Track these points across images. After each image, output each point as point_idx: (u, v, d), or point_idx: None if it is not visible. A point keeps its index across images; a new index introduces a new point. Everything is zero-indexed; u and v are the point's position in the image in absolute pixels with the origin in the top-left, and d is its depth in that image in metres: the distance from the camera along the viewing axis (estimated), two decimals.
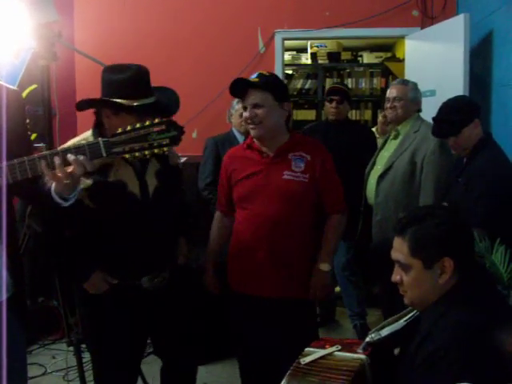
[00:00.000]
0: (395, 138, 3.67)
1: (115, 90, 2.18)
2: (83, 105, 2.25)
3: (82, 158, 1.68)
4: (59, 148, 1.73)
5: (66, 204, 1.80)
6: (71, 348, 3.05)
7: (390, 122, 3.83)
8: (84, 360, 2.94)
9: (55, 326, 4.11)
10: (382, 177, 3.58)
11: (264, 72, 2.62)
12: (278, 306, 2.56)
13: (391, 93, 3.66)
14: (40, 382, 3.63)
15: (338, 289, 4.62)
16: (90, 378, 2.95)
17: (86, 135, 2.34)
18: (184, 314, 2.55)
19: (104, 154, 1.68)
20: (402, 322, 1.83)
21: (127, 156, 1.68)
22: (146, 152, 1.68)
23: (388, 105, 3.66)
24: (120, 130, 1.67)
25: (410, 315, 1.85)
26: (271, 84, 2.59)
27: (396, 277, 1.75)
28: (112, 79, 2.20)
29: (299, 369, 1.78)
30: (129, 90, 2.17)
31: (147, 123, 1.67)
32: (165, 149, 1.70)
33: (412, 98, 3.61)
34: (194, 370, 2.69)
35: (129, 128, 1.67)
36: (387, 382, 1.74)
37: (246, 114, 2.58)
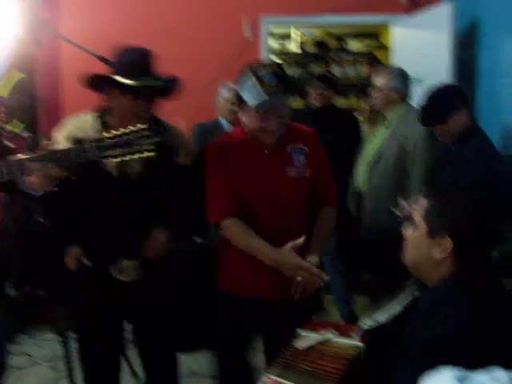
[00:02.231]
0: (385, 125, 3.68)
1: (119, 70, 2.22)
2: (90, 81, 2.25)
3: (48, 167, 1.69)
4: (47, 149, 1.75)
5: (38, 194, 1.81)
6: (58, 337, 3.05)
7: (375, 109, 3.87)
8: (71, 349, 2.93)
9: (42, 316, 4.10)
10: (372, 164, 3.60)
11: (277, 70, 2.24)
12: (277, 307, 2.35)
13: (374, 81, 3.72)
14: (28, 372, 3.62)
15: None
16: (78, 366, 2.96)
17: (84, 118, 2.34)
18: (164, 305, 2.51)
19: (90, 159, 1.69)
20: (398, 307, 1.81)
21: (114, 160, 1.70)
22: (130, 157, 1.69)
23: (372, 93, 3.71)
24: (106, 135, 1.69)
25: (404, 299, 1.83)
26: (290, 84, 2.33)
27: (406, 231, 1.75)
28: (117, 59, 2.24)
29: (293, 355, 1.76)
30: (130, 69, 2.20)
31: (132, 129, 1.69)
32: (150, 154, 1.71)
33: (392, 87, 3.61)
34: (171, 360, 2.67)
35: (115, 133, 1.69)
36: (383, 369, 1.73)
37: (270, 125, 2.24)
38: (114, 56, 2.27)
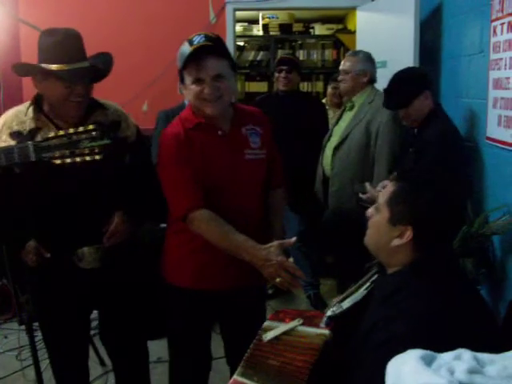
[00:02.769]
0: (350, 109, 3.70)
1: (45, 55, 2.13)
2: (18, 70, 2.19)
3: None
4: None
5: None
6: (23, 327, 3.00)
7: (343, 94, 3.88)
8: (36, 338, 2.89)
9: (6, 305, 4.03)
10: (337, 148, 3.62)
11: (210, 34, 2.18)
12: (237, 296, 2.32)
13: (342, 65, 3.73)
14: None
15: (291, 259, 4.67)
16: (43, 356, 2.92)
17: (20, 108, 2.28)
18: (127, 291, 2.47)
19: (33, 159, 1.63)
20: (362, 291, 1.79)
21: (57, 162, 1.63)
22: (77, 159, 1.63)
23: (340, 77, 3.71)
24: (51, 135, 1.63)
25: (369, 283, 1.82)
26: (226, 49, 2.21)
27: (371, 210, 1.72)
28: (42, 43, 2.14)
29: (261, 347, 1.73)
30: (57, 53, 2.11)
31: (80, 129, 1.63)
32: (96, 157, 1.64)
33: (359, 70, 3.64)
34: (141, 348, 2.65)
35: (61, 133, 1.64)
36: (346, 355, 1.71)
37: (205, 89, 2.13)
38: (39, 40, 2.17)
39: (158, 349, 3.33)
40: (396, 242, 1.59)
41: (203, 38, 2.12)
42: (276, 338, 1.76)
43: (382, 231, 1.64)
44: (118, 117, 2.37)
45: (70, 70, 2.10)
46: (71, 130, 1.62)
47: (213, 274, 2.28)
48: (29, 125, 2.19)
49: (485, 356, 1.05)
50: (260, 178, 2.34)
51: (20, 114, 2.23)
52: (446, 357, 1.06)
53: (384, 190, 1.69)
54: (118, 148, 2.28)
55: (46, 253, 2.30)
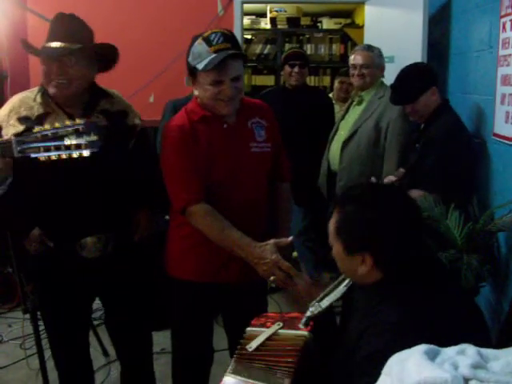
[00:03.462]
0: (359, 103, 3.67)
1: (48, 37, 2.18)
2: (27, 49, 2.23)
3: None
4: None
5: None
6: (27, 316, 3.01)
7: (356, 89, 3.80)
8: (40, 327, 2.90)
9: (11, 294, 4.05)
10: (346, 143, 3.60)
11: (226, 32, 2.13)
12: (239, 289, 2.32)
13: (357, 59, 3.62)
14: None
15: (295, 254, 4.67)
16: (47, 345, 2.93)
17: (28, 93, 2.30)
18: (130, 281, 2.48)
19: (15, 154, 1.60)
20: (342, 288, 1.76)
21: (42, 158, 1.61)
22: (63, 155, 1.60)
23: (355, 72, 3.63)
24: (37, 130, 1.61)
25: (348, 280, 1.78)
26: (239, 47, 2.19)
27: (330, 240, 1.66)
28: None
29: (245, 355, 1.73)
30: (52, 34, 2.16)
31: (67, 123, 1.61)
32: (83, 153, 1.61)
33: (378, 65, 3.62)
34: (145, 337, 2.66)
35: (46, 127, 1.61)
36: (332, 353, 1.68)
37: (225, 91, 2.11)
38: None
39: (161, 340, 3.34)
40: (361, 269, 1.56)
41: (222, 39, 2.09)
42: (258, 346, 1.75)
43: (344, 262, 1.61)
44: (124, 105, 2.39)
45: (47, 47, 2.13)
46: (57, 125, 1.60)
47: (215, 267, 2.29)
48: (37, 110, 2.21)
49: (489, 351, 1.05)
50: (265, 171, 2.35)
51: (27, 100, 2.24)
52: (450, 352, 1.06)
53: (331, 220, 1.62)
54: (124, 136, 2.34)
55: (50, 242, 2.31)
